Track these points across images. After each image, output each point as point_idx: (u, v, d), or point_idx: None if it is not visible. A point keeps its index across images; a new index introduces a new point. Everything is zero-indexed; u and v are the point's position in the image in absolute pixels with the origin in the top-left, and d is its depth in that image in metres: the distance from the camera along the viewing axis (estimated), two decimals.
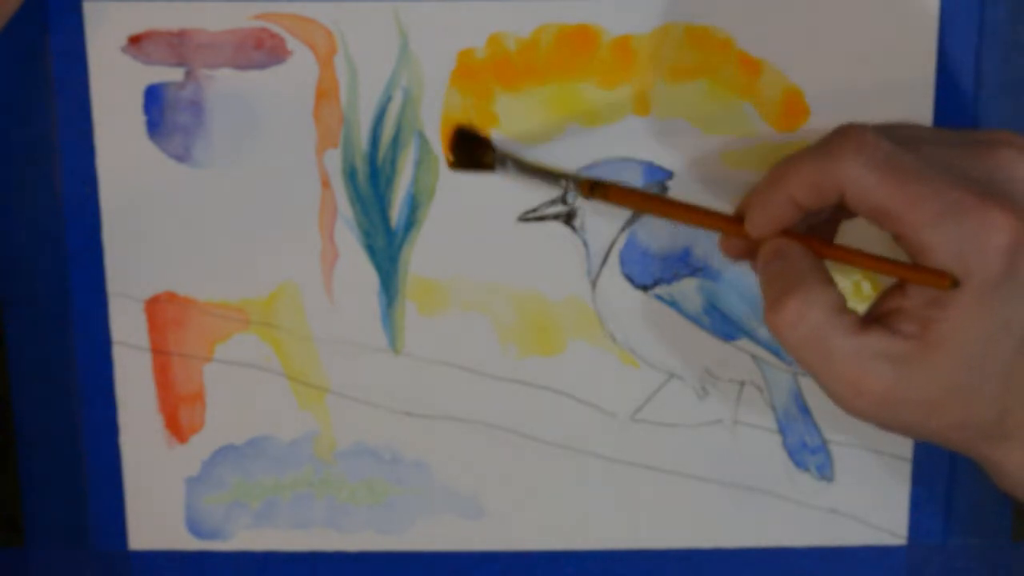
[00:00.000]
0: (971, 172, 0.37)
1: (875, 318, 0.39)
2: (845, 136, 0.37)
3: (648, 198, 0.43)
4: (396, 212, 0.45)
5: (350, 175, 0.45)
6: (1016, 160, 0.38)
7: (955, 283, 0.36)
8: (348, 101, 0.44)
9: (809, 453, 0.47)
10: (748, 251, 0.41)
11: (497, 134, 0.44)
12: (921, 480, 0.47)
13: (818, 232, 0.42)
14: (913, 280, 0.38)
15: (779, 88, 0.44)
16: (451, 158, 0.44)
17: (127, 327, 0.46)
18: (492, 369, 0.46)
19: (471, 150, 0.44)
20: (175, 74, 0.44)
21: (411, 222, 0.45)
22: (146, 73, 0.44)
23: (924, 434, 0.39)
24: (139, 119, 0.44)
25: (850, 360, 0.37)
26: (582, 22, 0.44)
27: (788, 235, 0.40)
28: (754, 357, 0.46)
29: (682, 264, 0.45)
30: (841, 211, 0.40)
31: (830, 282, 0.38)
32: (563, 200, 0.45)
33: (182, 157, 0.45)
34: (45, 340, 0.46)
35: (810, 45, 0.44)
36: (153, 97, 0.44)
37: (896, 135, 0.38)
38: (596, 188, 0.42)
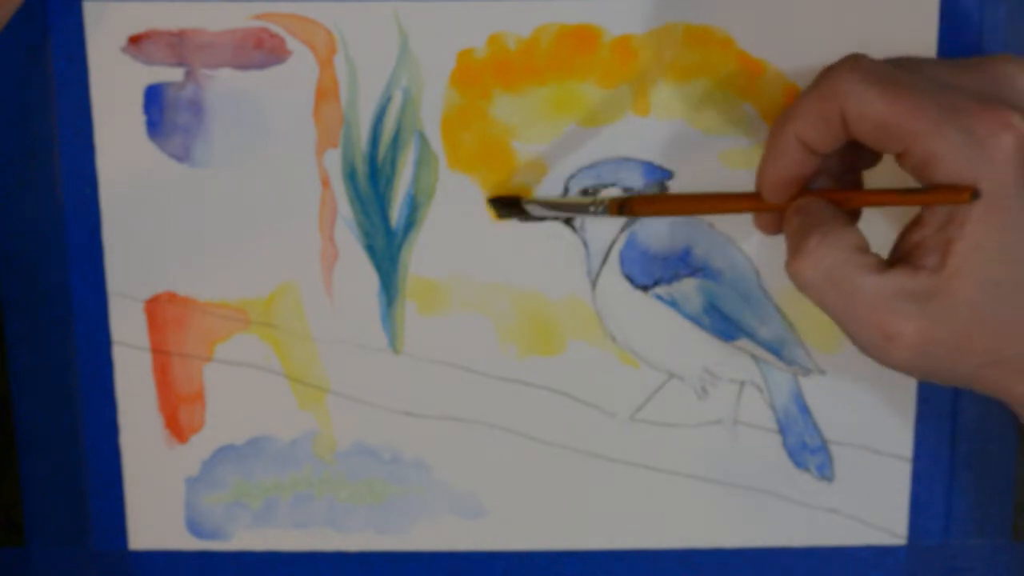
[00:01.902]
0: (971, 86, 0.37)
1: (897, 258, 0.38)
2: (838, 63, 0.37)
3: (671, 200, 0.43)
4: (396, 212, 0.45)
5: (350, 175, 0.45)
6: (1016, 74, 0.37)
7: (976, 193, 0.35)
8: (348, 101, 0.44)
9: (809, 453, 0.47)
10: (780, 223, 0.41)
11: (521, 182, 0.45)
12: (921, 480, 0.47)
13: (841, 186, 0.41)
14: (933, 201, 0.37)
15: (779, 88, 0.44)
16: (496, 216, 0.45)
17: (127, 327, 0.46)
18: (492, 369, 0.46)
19: (508, 207, 0.44)
20: (175, 74, 0.44)
21: (411, 222, 0.45)
22: (146, 73, 0.44)
23: (960, 377, 0.38)
24: (139, 119, 0.44)
25: (874, 300, 0.36)
26: (582, 22, 0.44)
27: (807, 193, 0.39)
28: (754, 357, 0.46)
29: (682, 264, 0.45)
30: (856, 157, 0.40)
31: (850, 224, 0.38)
32: None
33: (182, 157, 0.45)
34: (45, 340, 0.46)
35: (810, 45, 0.44)
36: (153, 97, 0.44)
37: (892, 61, 0.38)
38: (624, 206, 0.42)
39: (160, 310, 0.46)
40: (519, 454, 0.47)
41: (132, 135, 0.45)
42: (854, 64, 0.37)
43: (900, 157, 0.37)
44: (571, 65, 0.44)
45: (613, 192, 0.44)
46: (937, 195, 0.36)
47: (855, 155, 0.40)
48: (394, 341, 0.46)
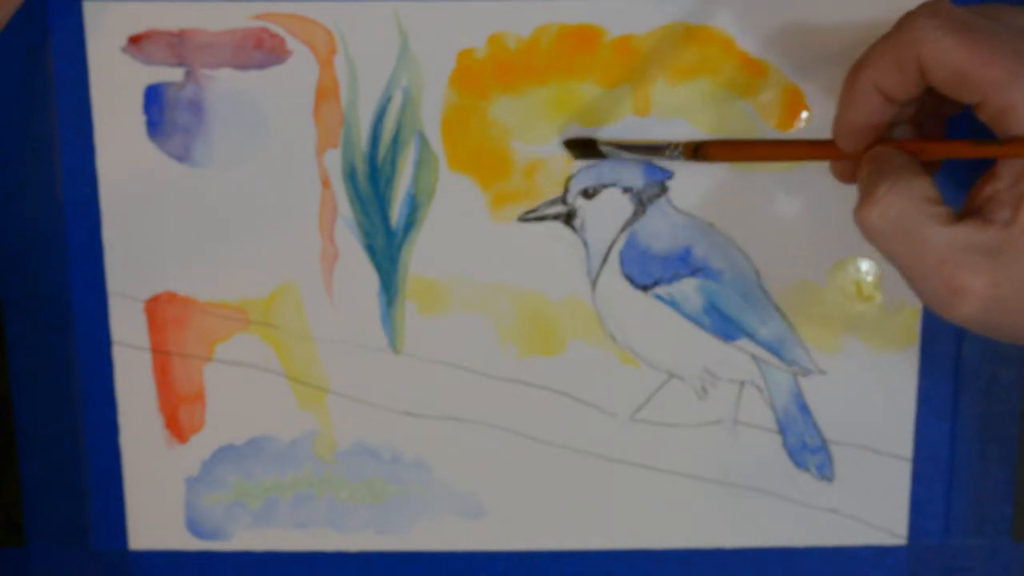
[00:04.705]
0: None
1: (968, 211, 0.37)
2: (917, 9, 0.37)
3: (749, 146, 0.42)
4: (396, 212, 0.45)
5: (350, 175, 0.45)
6: None
7: None
8: (348, 101, 0.44)
9: (809, 453, 0.47)
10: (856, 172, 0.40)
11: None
12: (921, 480, 0.47)
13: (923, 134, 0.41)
14: (1008, 154, 0.36)
15: (779, 88, 0.44)
16: (573, 156, 0.44)
17: (127, 327, 0.46)
18: (492, 369, 0.46)
19: (584, 147, 0.44)
20: (175, 74, 0.44)
21: (411, 222, 0.45)
22: (146, 73, 0.44)
23: None
24: (139, 119, 0.44)
25: (943, 252, 0.35)
26: (582, 22, 0.44)
27: (883, 142, 0.38)
28: (754, 357, 0.46)
29: (682, 264, 0.45)
30: (939, 103, 0.39)
31: (923, 174, 0.37)
32: (563, 200, 0.45)
33: (182, 157, 0.45)
34: (45, 340, 0.46)
35: (810, 45, 0.44)
36: (153, 97, 0.44)
37: (969, 8, 0.37)
38: (699, 149, 0.42)
39: (160, 310, 0.46)
40: (519, 454, 0.47)
41: (132, 135, 0.45)
42: (934, 10, 0.36)
43: (977, 107, 0.36)
44: (571, 65, 0.44)
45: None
46: (1012, 147, 0.35)
47: (938, 102, 0.39)
48: (394, 341, 0.46)
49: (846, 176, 0.41)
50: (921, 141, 0.39)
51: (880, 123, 0.38)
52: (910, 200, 0.36)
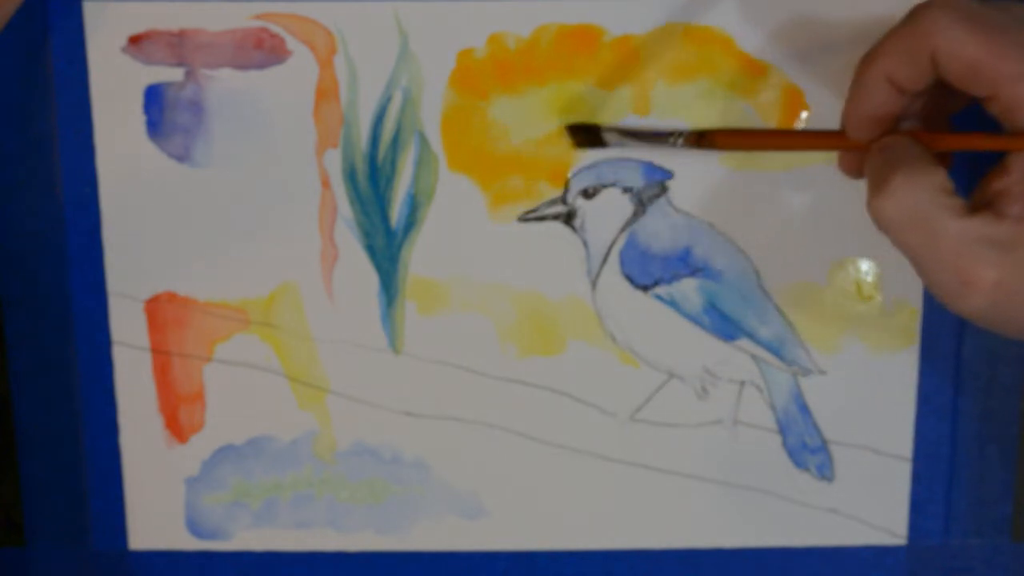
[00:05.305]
0: None
1: (981, 203, 0.37)
2: (930, 0, 0.37)
3: (754, 136, 0.42)
4: (396, 212, 0.45)
5: (350, 175, 0.45)
6: None
7: None
8: (348, 101, 0.44)
9: (809, 453, 0.47)
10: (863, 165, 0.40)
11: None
12: (921, 480, 0.47)
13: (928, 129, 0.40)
14: (1018, 147, 0.36)
15: (779, 88, 0.44)
16: (573, 144, 0.44)
17: (127, 327, 0.46)
18: (492, 369, 0.46)
19: (586, 135, 0.44)
20: (175, 74, 0.44)
21: (411, 222, 0.45)
22: (146, 73, 0.44)
23: None
24: (139, 119, 0.44)
25: (956, 244, 0.35)
26: (582, 22, 0.44)
27: (894, 133, 0.38)
28: (754, 357, 0.46)
29: (682, 264, 0.45)
30: (944, 99, 0.39)
31: (937, 165, 0.37)
32: (563, 200, 0.45)
33: (182, 157, 0.45)
34: (45, 340, 0.46)
35: (810, 45, 0.44)
36: (153, 97, 0.44)
37: (980, 2, 0.37)
38: (703, 138, 0.42)
39: (160, 310, 0.46)
40: (519, 454, 0.47)
41: (132, 135, 0.45)
42: (948, 1, 0.36)
43: (987, 101, 0.36)
44: (571, 65, 0.44)
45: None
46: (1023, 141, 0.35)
47: (943, 97, 0.39)
48: (394, 341, 0.46)
49: (852, 170, 0.41)
50: (932, 133, 0.39)
51: (890, 114, 0.38)
52: (926, 191, 0.36)
